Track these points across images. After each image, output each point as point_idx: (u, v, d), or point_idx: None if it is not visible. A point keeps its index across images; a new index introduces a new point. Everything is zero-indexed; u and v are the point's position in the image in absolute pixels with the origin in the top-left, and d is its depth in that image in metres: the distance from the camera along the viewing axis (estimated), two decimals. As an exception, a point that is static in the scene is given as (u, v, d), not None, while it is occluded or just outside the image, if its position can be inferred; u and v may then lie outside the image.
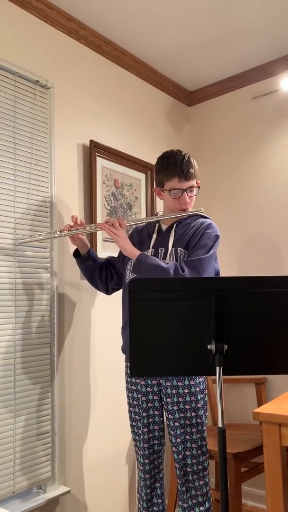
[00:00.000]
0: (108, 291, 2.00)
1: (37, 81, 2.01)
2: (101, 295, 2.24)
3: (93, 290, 2.21)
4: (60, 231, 1.83)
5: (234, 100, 2.86)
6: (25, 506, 1.81)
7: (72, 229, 1.84)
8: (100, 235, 2.28)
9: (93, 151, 2.24)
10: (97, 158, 2.28)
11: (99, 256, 2.04)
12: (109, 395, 2.26)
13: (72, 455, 2.05)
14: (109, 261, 1.99)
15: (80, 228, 1.83)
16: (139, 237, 1.91)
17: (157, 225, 1.88)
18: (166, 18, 2.23)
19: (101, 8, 2.15)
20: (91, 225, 1.84)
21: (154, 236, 1.84)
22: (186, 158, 1.76)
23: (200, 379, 1.73)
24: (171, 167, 1.75)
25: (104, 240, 2.29)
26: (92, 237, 2.21)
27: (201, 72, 2.76)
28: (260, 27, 2.32)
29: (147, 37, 2.39)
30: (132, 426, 1.85)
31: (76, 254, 1.97)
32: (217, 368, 1.23)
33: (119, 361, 2.31)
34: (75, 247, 1.96)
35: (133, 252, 1.72)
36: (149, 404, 1.77)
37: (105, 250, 2.29)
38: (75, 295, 2.13)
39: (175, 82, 2.87)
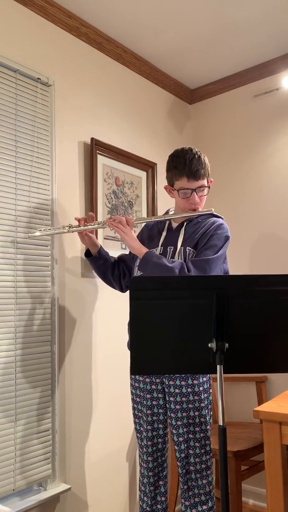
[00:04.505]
0: (122, 289, 2.00)
1: (38, 78, 2.01)
2: (102, 291, 2.24)
3: (94, 287, 2.22)
4: (69, 227, 1.84)
5: (236, 98, 2.85)
6: (26, 503, 1.81)
7: (80, 225, 1.85)
8: (101, 233, 2.28)
9: (94, 148, 2.24)
10: (98, 156, 2.28)
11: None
12: (110, 393, 2.26)
13: (73, 453, 2.05)
14: (121, 258, 2.00)
15: (88, 224, 1.85)
16: (149, 233, 1.90)
17: (167, 223, 1.87)
18: (167, 16, 2.23)
19: (102, 6, 2.14)
20: (99, 222, 1.84)
21: (164, 233, 1.83)
22: (196, 156, 1.72)
23: (204, 379, 1.72)
24: (180, 167, 1.73)
25: (105, 238, 2.29)
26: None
27: (203, 70, 2.76)
28: (262, 24, 2.31)
29: (149, 35, 2.39)
30: (135, 423, 1.84)
31: (87, 254, 1.98)
32: (218, 366, 1.24)
33: (120, 358, 2.31)
34: (85, 247, 1.96)
35: (140, 250, 1.73)
36: (154, 402, 1.77)
37: (106, 248, 2.29)
38: (76, 291, 2.13)
39: (176, 80, 2.86)
